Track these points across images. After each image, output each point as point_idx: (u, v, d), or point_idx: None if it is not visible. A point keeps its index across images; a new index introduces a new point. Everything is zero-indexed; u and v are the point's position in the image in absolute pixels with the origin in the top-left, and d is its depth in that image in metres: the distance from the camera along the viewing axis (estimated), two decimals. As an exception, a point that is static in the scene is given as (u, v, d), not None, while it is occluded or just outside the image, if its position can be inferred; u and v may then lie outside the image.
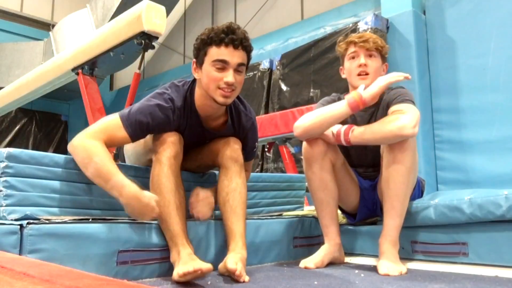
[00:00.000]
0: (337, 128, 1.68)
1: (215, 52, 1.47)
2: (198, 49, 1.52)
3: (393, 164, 1.60)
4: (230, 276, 1.39)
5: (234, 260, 1.38)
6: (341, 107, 1.65)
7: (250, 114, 1.74)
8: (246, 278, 1.36)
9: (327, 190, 1.76)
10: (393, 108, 1.68)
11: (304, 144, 1.76)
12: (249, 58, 1.55)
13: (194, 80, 1.61)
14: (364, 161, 1.90)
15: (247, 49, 1.52)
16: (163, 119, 1.51)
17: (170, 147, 1.50)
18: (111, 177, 1.36)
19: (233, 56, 1.47)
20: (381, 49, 1.81)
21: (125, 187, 1.36)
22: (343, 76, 1.90)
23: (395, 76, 1.66)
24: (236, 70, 1.49)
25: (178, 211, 1.44)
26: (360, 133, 1.63)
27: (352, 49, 1.81)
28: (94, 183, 1.41)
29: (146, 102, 1.51)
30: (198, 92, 1.58)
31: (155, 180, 1.47)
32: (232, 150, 1.62)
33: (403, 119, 1.56)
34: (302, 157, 1.82)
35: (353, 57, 1.81)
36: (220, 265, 1.45)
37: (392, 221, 1.62)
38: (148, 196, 1.37)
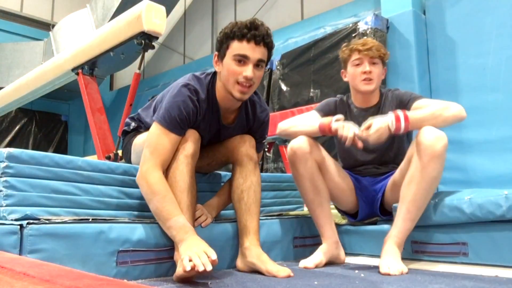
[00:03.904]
0: (391, 118, 1.62)
1: (236, 47, 1.49)
2: (220, 42, 1.54)
3: (421, 169, 1.58)
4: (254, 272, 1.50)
5: (274, 268, 1.45)
6: (313, 127, 1.77)
7: (264, 105, 1.76)
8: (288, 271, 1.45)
9: (316, 190, 1.77)
10: (419, 104, 1.76)
11: (288, 148, 1.79)
12: (270, 54, 1.57)
13: (215, 72, 1.62)
14: (368, 159, 1.91)
15: (269, 46, 1.53)
16: (193, 110, 1.52)
17: (189, 145, 1.50)
18: (169, 218, 1.38)
19: (254, 51, 1.49)
20: (383, 56, 1.89)
21: (185, 229, 1.36)
22: (345, 79, 1.97)
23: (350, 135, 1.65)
24: (256, 65, 1.51)
25: (188, 211, 1.45)
26: (420, 119, 1.63)
27: (356, 56, 1.88)
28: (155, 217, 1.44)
29: (174, 98, 1.51)
30: (219, 84, 1.59)
31: (169, 176, 1.48)
32: (247, 147, 1.64)
33: (457, 104, 1.68)
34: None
35: (357, 64, 1.88)
36: (240, 263, 1.57)
37: (404, 224, 1.62)
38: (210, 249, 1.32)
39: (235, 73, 1.50)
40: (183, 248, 1.32)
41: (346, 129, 1.66)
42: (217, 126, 1.65)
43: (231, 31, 1.49)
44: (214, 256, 1.24)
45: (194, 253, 1.25)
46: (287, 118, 1.94)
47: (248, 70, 1.49)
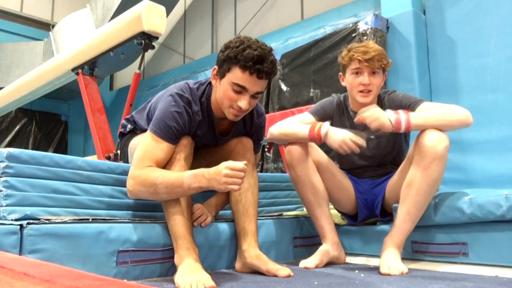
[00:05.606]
0: (394, 117, 1.59)
1: (238, 75, 1.44)
2: (223, 61, 1.48)
3: (422, 171, 1.57)
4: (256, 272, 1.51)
5: (274, 267, 1.46)
6: (303, 133, 1.72)
7: (261, 109, 1.75)
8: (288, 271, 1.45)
9: (315, 191, 1.77)
10: (423, 107, 1.70)
11: (286, 150, 1.78)
12: (270, 82, 1.54)
13: (210, 83, 1.60)
14: (366, 161, 1.90)
15: (270, 77, 1.50)
16: (188, 120, 1.52)
17: (182, 149, 1.50)
18: (182, 181, 1.38)
19: (254, 85, 1.46)
20: (385, 66, 1.80)
21: (199, 176, 1.38)
22: (343, 83, 1.89)
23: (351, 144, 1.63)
24: (253, 96, 1.49)
25: (185, 213, 1.45)
26: (423, 120, 1.60)
27: (356, 65, 1.78)
28: (174, 198, 1.43)
29: (169, 108, 1.50)
30: (214, 97, 1.57)
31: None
32: (245, 149, 1.64)
33: (464, 109, 1.64)
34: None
35: (356, 73, 1.80)
36: (238, 265, 1.58)
37: (404, 225, 1.61)
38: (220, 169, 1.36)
39: (230, 99, 1.48)
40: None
41: (338, 137, 1.63)
42: (213, 137, 1.64)
43: (235, 56, 1.43)
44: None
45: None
46: (282, 120, 1.89)
47: (243, 102, 1.47)
